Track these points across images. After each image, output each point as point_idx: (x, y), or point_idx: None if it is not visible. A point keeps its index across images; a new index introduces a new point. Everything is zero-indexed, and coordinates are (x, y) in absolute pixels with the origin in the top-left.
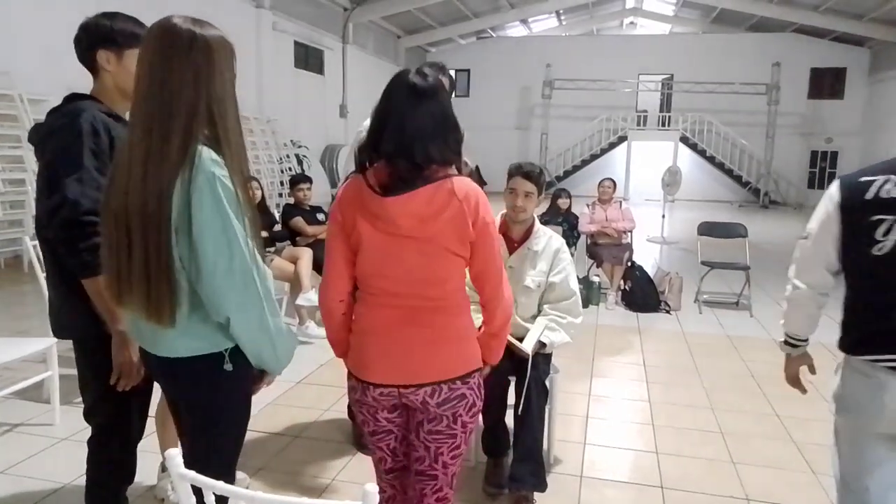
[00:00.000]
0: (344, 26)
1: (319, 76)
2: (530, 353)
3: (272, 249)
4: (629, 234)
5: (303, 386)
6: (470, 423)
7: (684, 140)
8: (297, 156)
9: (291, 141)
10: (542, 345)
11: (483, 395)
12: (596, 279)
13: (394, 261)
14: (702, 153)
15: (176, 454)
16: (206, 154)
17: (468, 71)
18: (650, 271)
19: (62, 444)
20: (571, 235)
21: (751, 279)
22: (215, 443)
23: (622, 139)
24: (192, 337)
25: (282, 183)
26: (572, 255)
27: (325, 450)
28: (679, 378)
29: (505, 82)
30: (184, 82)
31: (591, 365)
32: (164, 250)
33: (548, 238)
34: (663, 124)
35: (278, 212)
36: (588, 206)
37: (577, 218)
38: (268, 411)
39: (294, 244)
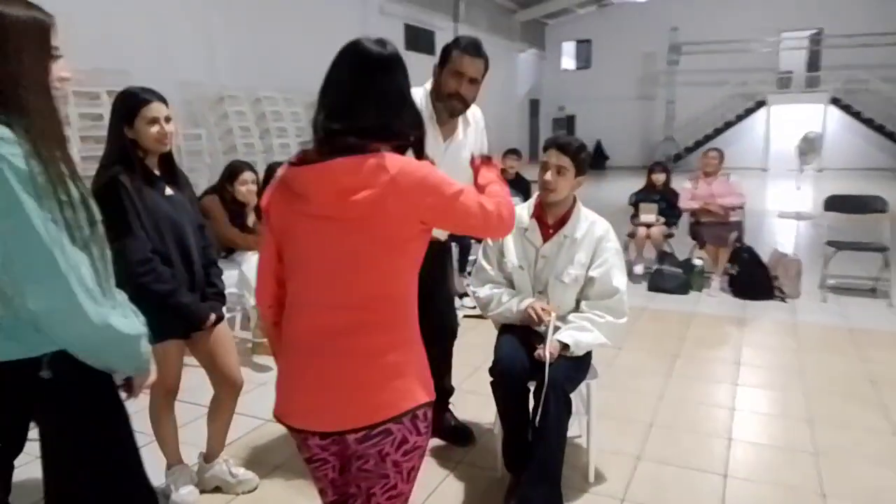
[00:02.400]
0: (455, 5)
1: (430, 57)
2: (547, 357)
3: None
4: (739, 210)
5: None
6: (405, 461)
7: (835, 101)
8: None
9: None
10: (564, 346)
11: (427, 428)
12: (699, 262)
13: (311, 253)
14: (856, 115)
15: None
16: None
17: (589, 41)
18: (780, 251)
19: None
20: (671, 214)
21: (891, 262)
22: (61, 486)
23: (760, 104)
24: (3, 338)
25: None
26: (671, 236)
27: None
28: (777, 380)
29: (627, 50)
30: None
31: (672, 361)
32: None
33: (590, 224)
34: (810, 85)
35: None
36: (690, 180)
37: (676, 194)
38: None
39: None
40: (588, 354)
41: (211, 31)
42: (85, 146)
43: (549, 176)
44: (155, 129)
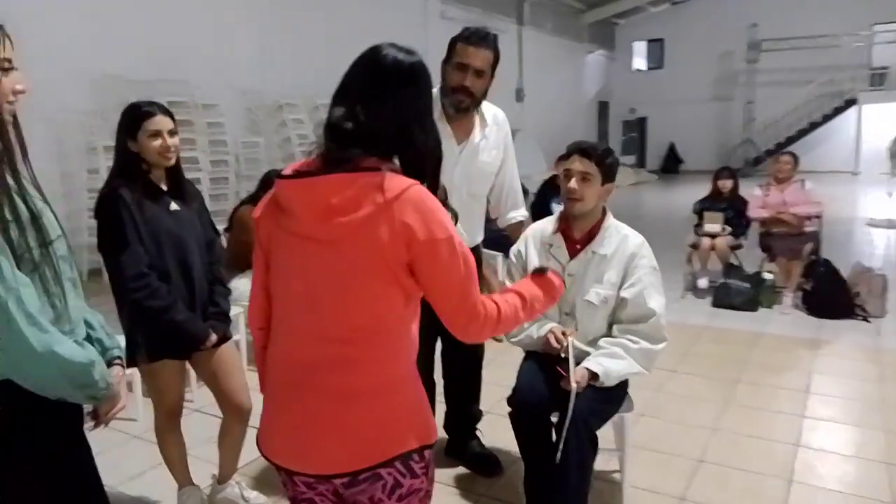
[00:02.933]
0: (519, 7)
1: None
2: (574, 387)
3: None
4: (815, 220)
5: None
6: None
7: None
8: None
9: None
10: (592, 375)
11: (426, 468)
12: (769, 276)
13: (293, 275)
14: None
15: None
16: None
17: (661, 41)
18: (864, 264)
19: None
20: (739, 224)
21: None
22: None
23: (850, 103)
24: None
25: None
26: (739, 248)
27: None
28: (853, 413)
29: (702, 49)
30: None
31: (731, 387)
32: None
33: (621, 238)
34: None
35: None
36: (760, 186)
37: (745, 202)
38: None
39: None
40: (622, 385)
41: (269, 39)
42: None
43: (573, 184)
44: (157, 142)
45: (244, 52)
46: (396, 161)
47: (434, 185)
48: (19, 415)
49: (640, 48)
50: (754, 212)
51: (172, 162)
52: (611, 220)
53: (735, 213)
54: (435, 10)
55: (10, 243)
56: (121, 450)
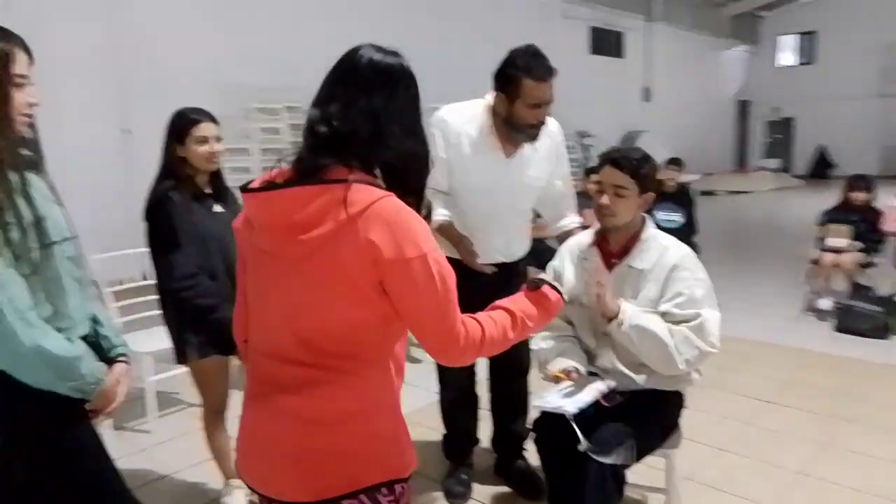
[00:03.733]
0: (649, 3)
1: (618, 60)
2: (569, 410)
3: None
4: None
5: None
6: None
7: None
8: (583, 146)
9: (577, 132)
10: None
11: (396, 501)
12: None
13: (259, 291)
14: None
15: None
16: None
17: (814, 33)
18: None
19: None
20: (871, 238)
21: None
22: None
23: None
24: None
25: None
26: (870, 265)
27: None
28: None
29: (863, 41)
30: None
31: (836, 427)
32: None
33: (661, 251)
34: None
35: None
36: None
37: (879, 214)
38: None
39: None
40: (668, 414)
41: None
42: (265, 157)
43: (605, 199)
44: (204, 147)
45: None
46: (378, 171)
47: (418, 195)
48: (14, 403)
49: (787, 42)
50: (890, 225)
51: (217, 167)
52: (650, 232)
53: (868, 226)
54: (556, 9)
55: (9, 244)
56: (174, 442)
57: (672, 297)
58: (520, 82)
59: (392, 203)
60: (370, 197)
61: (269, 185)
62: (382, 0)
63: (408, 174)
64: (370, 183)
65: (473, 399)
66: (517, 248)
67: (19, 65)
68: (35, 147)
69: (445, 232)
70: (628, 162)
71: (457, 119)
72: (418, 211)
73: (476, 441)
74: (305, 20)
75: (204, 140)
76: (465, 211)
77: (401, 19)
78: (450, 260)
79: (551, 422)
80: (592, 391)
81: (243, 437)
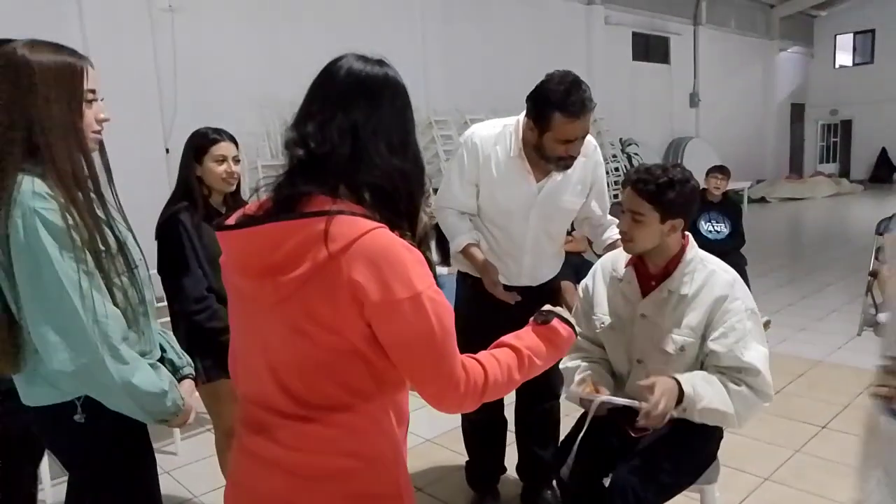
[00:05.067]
0: (696, 6)
1: (663, 65)
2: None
3: None
4: None
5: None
6: None
7: None
8: (627, 155)
9: (620, 139)
10: (678, 402)
11: None
12: None
13: (248, 336)
14: None
15: None
16: (29, 187)
17: (872, 32)
18: None
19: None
20: None
21: None
22: None
23: None
24: (41, 383)
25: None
26: None
27: None
28: None
29: None
30: None
31: None
32: None
33: (706, 275)
34: None
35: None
36: None
37: None
38: None
39: None
40: (701, 446)
41: (430, 57)
42: None
43: (623, 224)
44: (223, 167)
45: (407, 72)
46: (367, 196)
47: (412, 218)
48: (103, 428)
49: (844, 42)
50: None
51: (233, 188)
52: (693, 253)
53: None
54: (599, 15)
55: (102, 270)
56: (200, 464)
57: (722, 336)
58: (551, 117)
59: (380, 237)
60: (354, 231)
61: (245, 221)
62: (421, 10)
63: (397, 196)
64: (357, 213)
65: (500, 423)
66: (546, 272)
67: (91, 80)
68: (106, 165)
69: (470, 257)
70: (647, 186)
71: (486, 140)
72: (413, 233)
73: (502, 469)
74: (348, 34)
75: (222, 159)
76: (492, 234)
77: (442, 29)
78: (472, 277)
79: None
80: (627, 400)
81: (230, 488)
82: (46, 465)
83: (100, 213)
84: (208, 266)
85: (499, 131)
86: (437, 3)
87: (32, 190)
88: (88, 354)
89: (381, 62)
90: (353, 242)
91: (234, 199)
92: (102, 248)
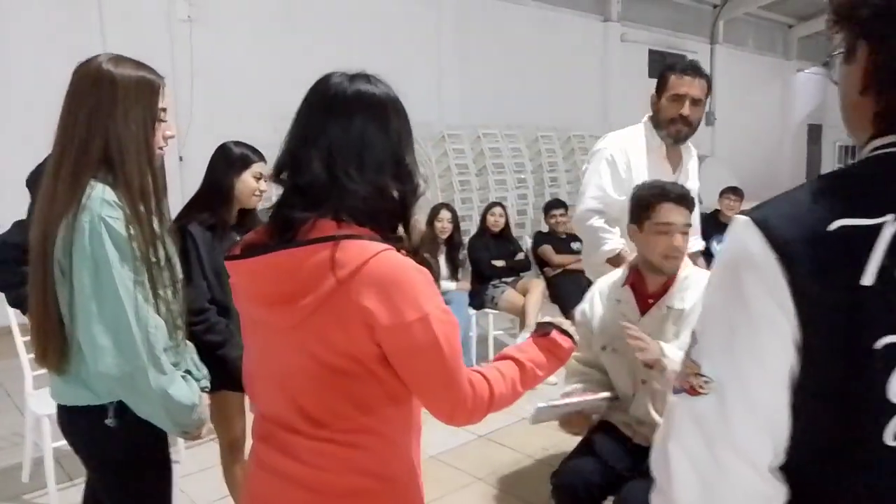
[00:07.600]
0: (713, 25)
1: None
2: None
3: (509, 280)
4: None
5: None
6: None
7: None
8: None
9: None
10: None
11: None
12: None
13: (262, 358)
14: None
15: None
16: (99, 194)
17: None
18: None
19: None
20: None
21: None
22: None
23: None
24: (76, 384)
25: None
26: None
27: None
28: None
29: None
30: (78, 121)
31: None
32: (50, 290)
33: (702, 288)
34: None
35: None
36: None
37: None
38: None
39: (543, 274)
40: None
41: (446, 71)
42: None
43: (678, 241)
44: (257, 183)
45: (422, 86)
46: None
47: (405, 225)
48: (132, 433)
49: None
50: None
51: (257, 205)
52: (689, 269)
53: None
54: (615, 32)
55: (152, 281)
56: (204, 474)
57: None
58: (667, 77)
59: (387, 260)
60: (361, 256)
61: (251, 251)
62: (437, 26)
63: (376, 217)
64: (363, 236)
65: None
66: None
67: (164, 98)
68: (163, 182)
69: (616, 264)
70: (688, 199)
71: (621, 147)
72: (407, 248)
73: None
74: (364, 49)
75: (259, 176)
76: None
77: (457, 44)
78: None
79: (571, 480)
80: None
81: (248, 501)
82: (51, 469)
83: (156, 227)
84: (213, 277)
85: (630, 134)
86: (453, 18)
87: (102, 197)
88: (134, 361)
89: (366, 78)
90: (360, 268)
91: (248, 215)
92: (154, 260)
